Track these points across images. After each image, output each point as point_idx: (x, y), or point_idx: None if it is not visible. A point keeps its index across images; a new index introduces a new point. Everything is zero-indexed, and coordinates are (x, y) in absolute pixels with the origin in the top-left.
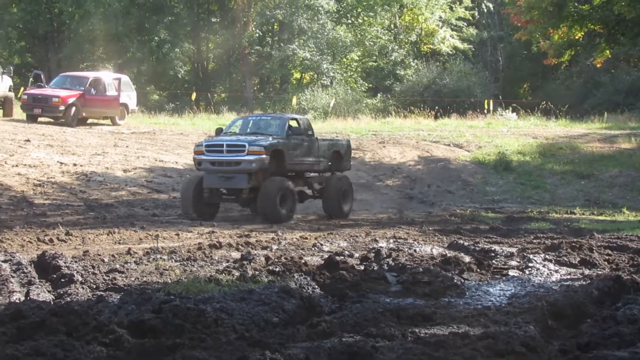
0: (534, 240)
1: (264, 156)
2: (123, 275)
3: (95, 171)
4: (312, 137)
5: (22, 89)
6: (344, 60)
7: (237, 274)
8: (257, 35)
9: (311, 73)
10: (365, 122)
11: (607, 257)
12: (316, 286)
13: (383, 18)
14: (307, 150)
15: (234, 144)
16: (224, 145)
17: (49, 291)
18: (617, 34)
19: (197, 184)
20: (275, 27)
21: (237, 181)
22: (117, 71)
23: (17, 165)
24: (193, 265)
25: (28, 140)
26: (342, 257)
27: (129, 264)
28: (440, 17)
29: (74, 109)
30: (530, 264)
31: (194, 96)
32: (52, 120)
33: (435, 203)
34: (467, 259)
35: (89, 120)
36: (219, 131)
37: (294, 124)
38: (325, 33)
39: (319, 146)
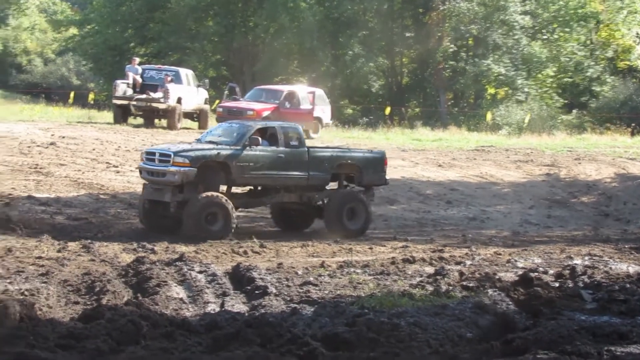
0: None
1: (187, 168)
2: (317, 288)
3: None
4: (297, 149)
5: (217, 101)
6: (539, 76)
7: (430, 288)
8: (452, 50)
9: (506, 88)
10: (560, 138)
11: None
12: (510, 302)
13: (579, 34)
14: (281, 163)
15: (163, 152)
16: (156, 154)
17: (243, 302)
18: None
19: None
20: (470, 42)
21: (162, 194)
22: (311, 85)
23: None
24: (386, 280)
25: None
26: (537, 274)
27: (322, 277)
28: (638, 34)
29: None
30: None
31: (387, 110)
32: None
33: (632, 221)
34: None
35: None
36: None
37: (268, 132)
38: (520, 48)
39: (311, 159)
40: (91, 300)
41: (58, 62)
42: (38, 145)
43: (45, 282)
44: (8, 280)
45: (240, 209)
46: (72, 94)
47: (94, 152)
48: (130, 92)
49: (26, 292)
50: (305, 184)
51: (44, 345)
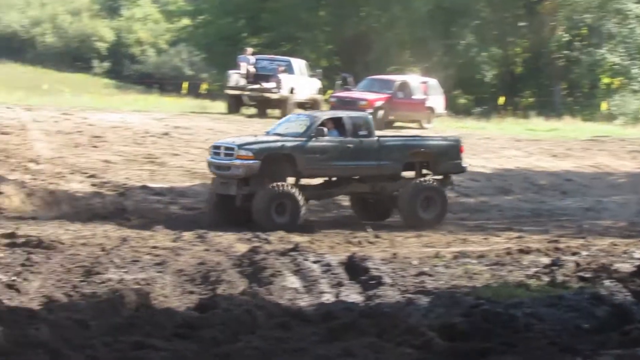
0: None
1: (251, 161)
2: (432, 279)
3: None
4: (366, 139)
5: (329, 91)
6: None
7: (546, 279)
8: (565, 39)
9: (621, 78)
10: None
11: None
12: (627, 293)
13: None
14: (350, 153)
15: (228, 146)
16: (222, 148)
17: (358, 293)
18: None
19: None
20: (584, 31)
21: (228, 187)
22: (424, 75)
23: None
24: (502, 270)
25: None
26: None
27: (437, 267)
28: None
29: (381, 112)
30: None
31: (501, 100)
32: None
33: None
34: None
35: (396, 124)
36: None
37: (333, 124)
38: (635, 38)
39: (381, 148)
40: (206, 290)
41: (171, 53)
42: (152, 136)
43: (160, 272)
44: (124, 270)
45: (310, 200)
46: (185, 84)
47: (207, 142)
48: (243, 82)
49: (142, 282)
50: (376, 174)
51: (160, 334)
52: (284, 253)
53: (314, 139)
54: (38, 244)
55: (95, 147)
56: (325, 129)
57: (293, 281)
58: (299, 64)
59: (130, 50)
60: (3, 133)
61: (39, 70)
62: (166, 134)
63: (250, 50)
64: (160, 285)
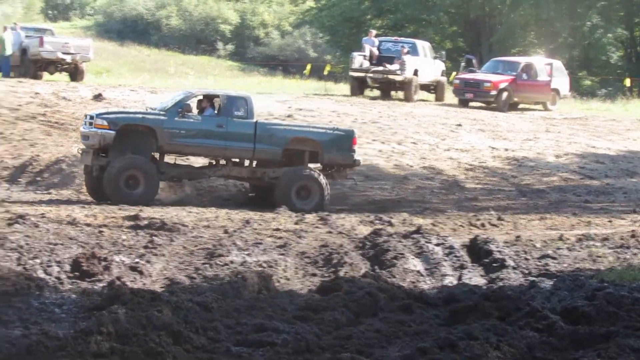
0: None
1: (106, 131)
2: (555, 261)
3: (527, 156)
4: (241, 120)
5: (454, 73)
6: None
7: None
8: None
9: None
10: None
11: None
12: None
13: None
14: (220, 133)
15: (91, 115)
16: (88, 117)
17: (481, 275)
18: None
19: None
20: None
21: (84, 157)
22: (549, 56)
23: (448, 150)
24: (626, 253)
25: (460, 125)
26: None
27: (561, 250)
28: None
29: (505, 94)
30: None
31: (627, 82)
32: (483, 104)
33: None
34: None
35: (520, 106)
36: None
37: (209, 102)
38: None
39: (258, 131)
40: (328, 272)
41: (295, 35)
42: (276, 118)
43: (282, 254)
44: (246, 252)
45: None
46: (308, 67)
47: (330, 125)
48: (366, 64)
49: (264, 264)
50: (250, 157)
51: (282, 316)
52: (406, 235)
53: (180, 114)
54: (161, 227)
55: None
56: (190, 105)
57: (415, 264)
58: (422, 45)
59: (254, 33)
60: None
61: (163, 53)
62: (289, 116)
63: (374, 32)
64: (283, 267)
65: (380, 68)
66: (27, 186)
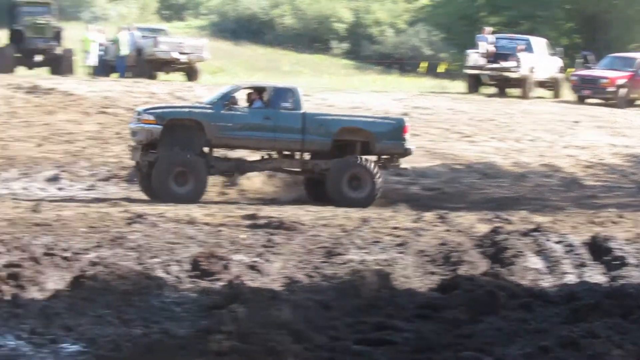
0: None
1: (153, 126)
2: None
3: None
4: (289, 111)
5: (570, 70)
6: None
7: None
8: None
9: None
10: None
11: None
12: None
13: None
14: (268, 124)
15: (139, 110)
16: (136, 112)
17: (602, 273)
18: None
19: None
20: None
21: (134, 154)
22: None
23: (567, 147)
24: None
25: (577, 122)
26: None
27: None
28: None
29: (623, 90)
30: None
31: None
32: (601, 101)
33: None
34: None
35: (638, 102)
36: None
37: (258, 94)
38: None
39: (306, 122)
40: (447, 271)
41: (409, 33)
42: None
43: (401, 253)
44: (365, 251)
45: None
46: (423, 64)
47: (447, 122)
48: (482, 61)
49: (383, 263)
50: (299, 148)
51: (402, 315)
52: (525, 233)
53: (226, 107)
54: (279, 225)
55: None
56: (236, 97)
57: (535, 262)
58: (538, 42)
59: (368, 31)
60: None
61: (277, 52)
62: (405, 114)
63: (489, 29)
64: (402, 266)
65: (496, 65)
66: None
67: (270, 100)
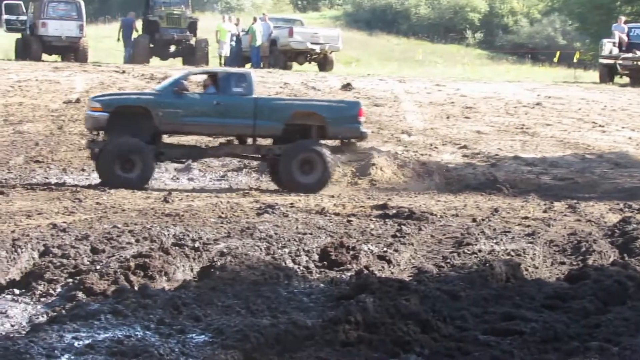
0: None
1: (100, 113)
2: None
3: None
4: (240, 96)
5: None
6: None
7: None
8: None
9: None
10: None
11: None
12: None
13: None
14: (218, 110)
15: (88, 98)
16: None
17: None
18: None
19: None
20: None
21: (87, 141)
22: None
23: None
24: None
25: None
26: None
27: None
28: None
29: None
30: None
31: None
32: None
33: None
34: None
35: None
36: None
37: (211, 80)
38: None
39: (258, 107)
40: (577, 261)
41: (544, 22)
42: (524, 106)
43: (531, 242)
44: (494, 241)
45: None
46: (557, 54)
47: (579, 112)
48: (616, 51)
49: (512, 253)
50: (250, 134)
51: (530, 305)
52: None
53: (174, 93)
54: (409, 215)
55: (467, 118)
56: (185, 84)
57: None
58: None
59: (503, 21)
60: (376, 105)
61: (412, 42)
62: (538, 104)
63: (623, 18)
64: (531, 256)
65: (630, 55)
66: None
67: (223, 85)
